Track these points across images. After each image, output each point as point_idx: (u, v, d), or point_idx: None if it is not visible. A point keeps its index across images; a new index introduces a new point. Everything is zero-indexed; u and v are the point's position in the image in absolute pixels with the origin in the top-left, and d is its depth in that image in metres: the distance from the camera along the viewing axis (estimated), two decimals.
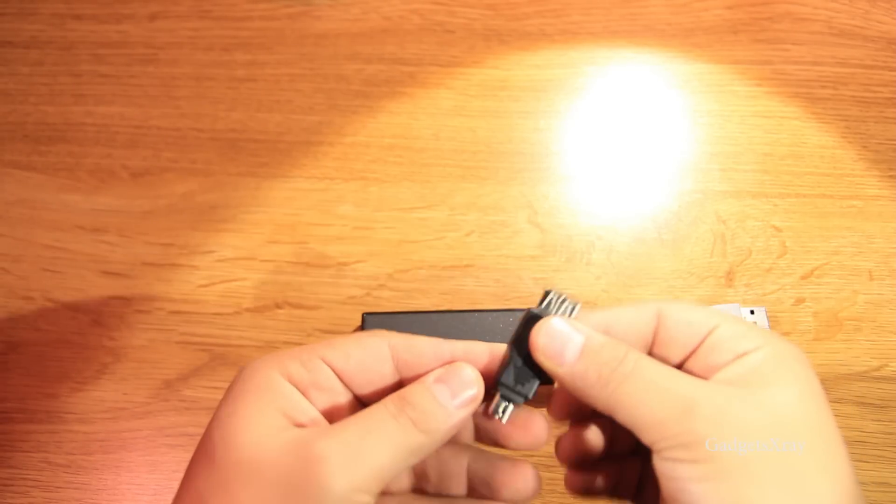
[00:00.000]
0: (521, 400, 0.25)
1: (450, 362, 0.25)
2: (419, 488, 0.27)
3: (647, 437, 0.22)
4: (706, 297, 0.43)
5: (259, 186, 0.46)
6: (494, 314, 0.38)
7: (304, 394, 0.23)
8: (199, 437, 0.23)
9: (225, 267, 0.43)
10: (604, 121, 0.48)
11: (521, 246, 0.43)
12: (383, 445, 0.22)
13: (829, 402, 0.23)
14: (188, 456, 0.23)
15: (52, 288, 0.43)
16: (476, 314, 0.38)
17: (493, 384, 0.25)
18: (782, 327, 0.42)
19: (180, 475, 0.23)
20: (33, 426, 0.39)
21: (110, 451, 0.38)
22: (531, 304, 0.42)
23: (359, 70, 0.50)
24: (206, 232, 0.45)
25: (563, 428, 0.28)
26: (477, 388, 0.24)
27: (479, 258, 0.43)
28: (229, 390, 0.23)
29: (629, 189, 0.45)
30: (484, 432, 0.27)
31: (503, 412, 0.25)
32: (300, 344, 0.35)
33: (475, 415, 0.25)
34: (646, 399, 0.22)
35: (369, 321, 0.39)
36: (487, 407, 0.25)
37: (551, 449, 0.37)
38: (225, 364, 0.41)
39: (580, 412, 0.28)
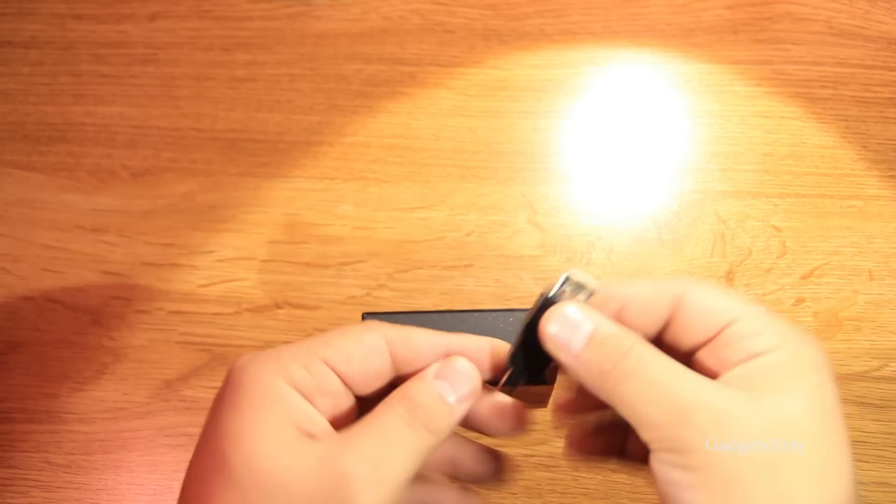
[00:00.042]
0: (530, 381, 0.25)
1: (445, 355, 0.25)
2: None
3: (643, 436, 0.22)
4: None
5: (259, 186, 0.46)
6: (494, 314, 0.38)
7: (310, 401, 0.23)
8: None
9: (225, 267, 0.43)
10: (604, 121, 0.48)
11: (521, 246, 0.43)
12: (403, 454, 0.22)
13: None
14: (188, 456, 0.23)
15: (52, 288, 0.43)
16: (476, 314, 0.38)
17: (503, 368, 0.25)
18: None
19: (180, 475, 0.22)
20: (33, 426, 0.39)
21: (110, 451, 0.38)
22: (531, 304, 0.42)
23: (359, 70, 0.50)
24: (206, 232, 0.45)
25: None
26: (475, 382, 0.24)
27: (479, 258, 0.43)
28: (229, 398, 0.22)
29: (629, 189, 0.45)
30: (465, 419, 0.26)
31: (509, 391, 0.25)
32: None
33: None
34: (644, 399, 0.22)
35: (369, 321, 0.39)
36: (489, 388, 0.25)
37: (551, 449, 0.37)
38: (225, 364, 0.41)
39: (581, 412, 0.28)
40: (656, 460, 0.22)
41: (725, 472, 0.21)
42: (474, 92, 0.49)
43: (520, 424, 0.26)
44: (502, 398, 0.26)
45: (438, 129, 0.48)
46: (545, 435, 0.38)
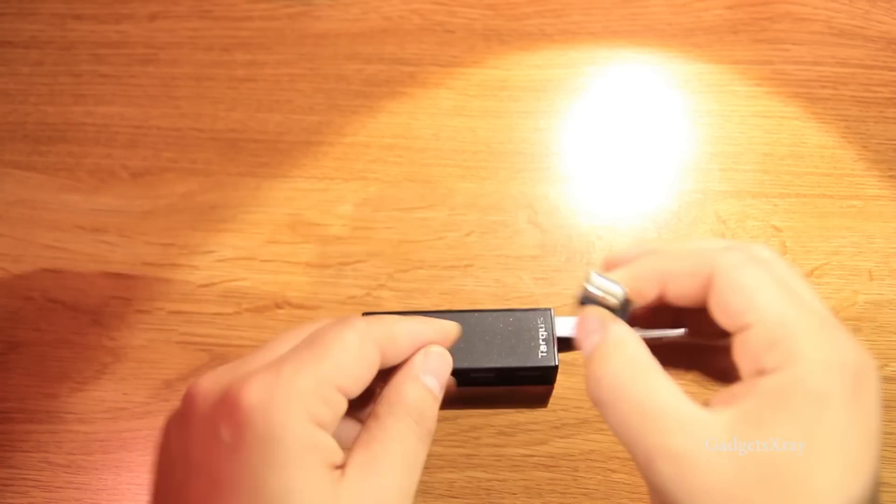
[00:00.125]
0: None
1: (423, 345, 0.25)
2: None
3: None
4: None
5: (259, 186, 0.46)
6: (494, 314, 0.38)
7: (331, 433, 0.22)
8: None
9: (225, 267, 0.43)
10: (604, 121, 0.48)
11: (521, 246, 0.43)
12: (419, 466, 0.23)
13: None
14: None
15: (52, 288, 0.43)
16: (476, 314, 0.38)
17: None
18: None
19: None
20: (33, 426, 0.39)
21: (110, 451, 0.38)
22: (531, 304, 0.42)
23: (359, 70, 0.50)
24: (206, 232, 0.45)
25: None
26: (450, 366, 0.26)
27: (479, 258, 0.43)
28: (263, 452, 0.20)
29: (629, 189, 0.45)
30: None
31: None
32: None
33: None
34: (617, 426, 0.22)
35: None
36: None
37: (551, 449, 0.37)
38: (225, 364, 0.41)
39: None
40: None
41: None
42: (474, 92, 0.49)
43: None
44: None
45: (438, 129, 0.48)
46: (545, 435, 0.38)
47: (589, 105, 0.48)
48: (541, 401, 0.39)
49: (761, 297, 0.21)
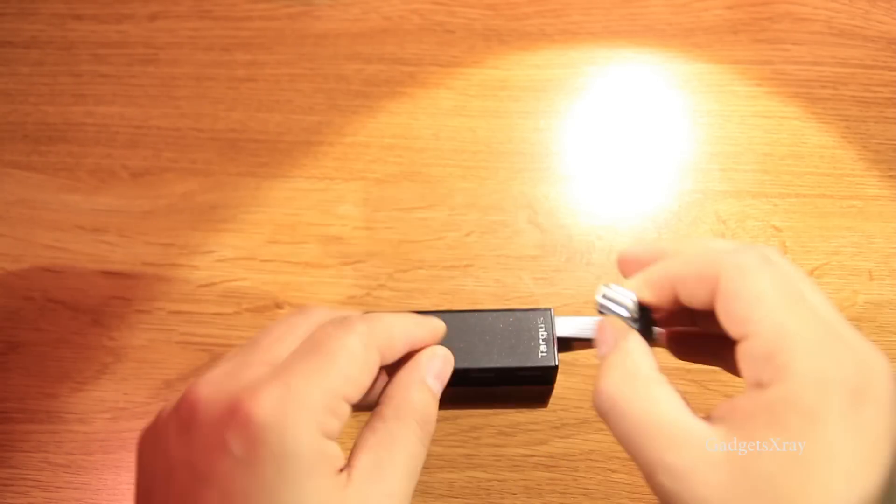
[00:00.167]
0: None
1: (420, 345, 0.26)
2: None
3: None
4: None
5: (259, 186, 0.46)
6: (494, 314, 0.38)
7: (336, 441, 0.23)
8: None
9: (225, 267, 0.43)
10: (604, 121, 0.48)
11: (521, 246, 0.43)
12: (419, 471, 0.23)
13: None
14: None
15: (52, 288, 0.43)
16: (476, 314, 0.38)
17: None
18: None
19: None
20: (33, 426, 0.39)
21: (110, 451, 0.38)
22: (531, 304, 0.42)
23: (359, 70, 0.50)
24: (206, 232, 0.45)
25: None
26: (451, 368, 0.26)
27: (479, 258, 0.43)
28: (279, 469, 0.20)
29: (629, 189, 0.45)
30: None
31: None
32: None
33: None
34: (620, 438, 0.23)
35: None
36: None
37: (551, 449, 0.37)
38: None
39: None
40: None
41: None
42: (474, 92, 0.49)
43: None
44: None
45: (438, 129, 0.48)
46: (545, 435, 0.38)
47: (589, 105, 0.48)
48: (541, 401, 0.39)
49: (762, 307, 0.21)
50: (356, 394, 0.23)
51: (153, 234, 0.45)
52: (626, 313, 0.26)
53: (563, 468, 0.37)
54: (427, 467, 0.24)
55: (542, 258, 0.43)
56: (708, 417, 0.22)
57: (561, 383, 0.39)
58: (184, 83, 0.50)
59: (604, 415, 0.23)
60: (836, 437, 0.19)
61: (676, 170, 0.46)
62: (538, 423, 0.38)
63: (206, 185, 0.46)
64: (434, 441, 0.26)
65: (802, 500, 0.19)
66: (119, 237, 0.44)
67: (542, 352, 0.36)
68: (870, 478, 0.19)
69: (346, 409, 0.22)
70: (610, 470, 0.37)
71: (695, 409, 0.22)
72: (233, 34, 0.51)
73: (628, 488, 0.36)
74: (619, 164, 0.46)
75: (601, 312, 0.27)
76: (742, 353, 0.21)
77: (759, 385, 0.21)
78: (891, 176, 0.45)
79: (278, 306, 0.43)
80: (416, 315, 0.26)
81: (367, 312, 0.27)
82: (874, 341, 0.22)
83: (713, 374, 0.37)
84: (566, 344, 0.39)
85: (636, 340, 0.25)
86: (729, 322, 0.22)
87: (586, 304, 0.41)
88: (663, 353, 0.28)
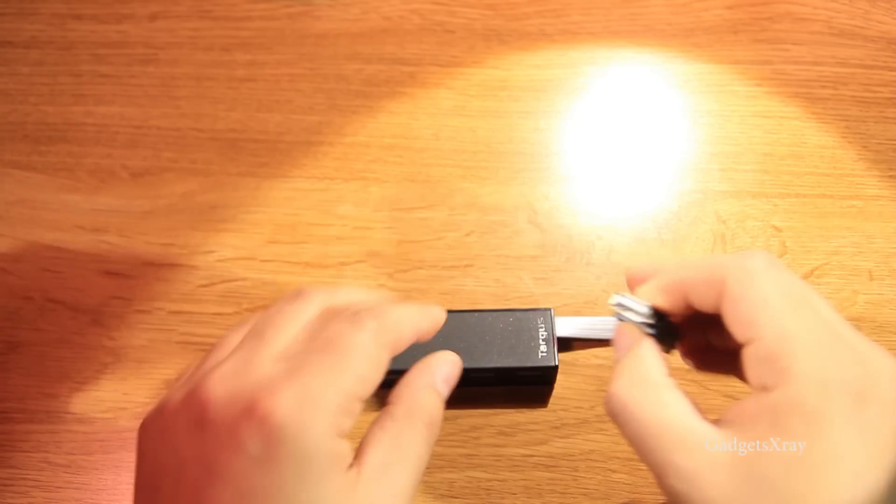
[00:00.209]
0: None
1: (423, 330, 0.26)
2: None
3: None
4: None
5: (259, 186, 0.46)
6: (494, 314, 0.38)
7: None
8: None
9: (225, 267, 0.43)
10: (604, 121, 0.48)
11: (521, 246, 0.43)
12: (423, 471, 0.24)
13: None
14: None
15: (52, 288, 0.43)
16: (476, 314, 0.38)
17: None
18: None
19: None
20: (33, 426, 0.39)
21: (110, 451, 0.38)
22: (531, 304, 0.42)
23: (359, 70, 0.50)
24: (206, 232, 0.45)
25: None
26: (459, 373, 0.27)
27: (479, 258, 0.43)
28: (299, 472, 0.21)
29: (629, 189, 0.45)
30: None
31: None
32: None
33: None
34: (630, 441, 0.23)
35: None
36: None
37: (551, 449, 0.37)
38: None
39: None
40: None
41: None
42: (474, 92, 0.49)
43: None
44: None
45: (438, 129, 0.48)
46: (545, 435, 0.38)
47: (589, 105, 0.48)
48: (541, 401, 0.39)
49: (766, 310, 0.22)
50: (369, 392, 0.23)
51: (153, 234, 0.44)
52: (639, 319, 0.27)
53: (563, 468, 0.37)
54: (427, 467, 0.24)
55: (542, 258, 0.43)
56: (717, 421, 0.22)
57: (561, 383, 0.39)
58: (184, 83, 0.50)
59: (614, 418, 0.24)
60: (840, 438, 0.19)
61: (676, 170, 0.46)
62: (538, 423, 0.38)
63: (206, 185, 0.46)
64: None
65: (808, 502, 0.19)
66: (119, 237, 0.44)
67: (542, 352, 0.36)
68: (875, 478, 0.19)
69: (359, 408, 0.23)
70: (610, 470, 0.37)
71: (703, 413, 0.22)
72: (233, 34, 0.51)
73: (628, 488, 0.36)
74: (619, 164, 0.46)
75: (619, 318, 0.28)
76: (747, 357, 0.22)
77: (763, 388, 0.21)
78: (891, 176, 0.45)
79: None
80: (418, 306, 0.26)
81: (363, 290, 0.27)
82: (875, 341, 0.22)
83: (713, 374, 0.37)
84: (566, 344, 0.39)
85: (648, 346, 0.25)
86: (734, 325, 0.22)
87: (586, 304, 0.41)
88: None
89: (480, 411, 0.38)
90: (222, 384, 0.22)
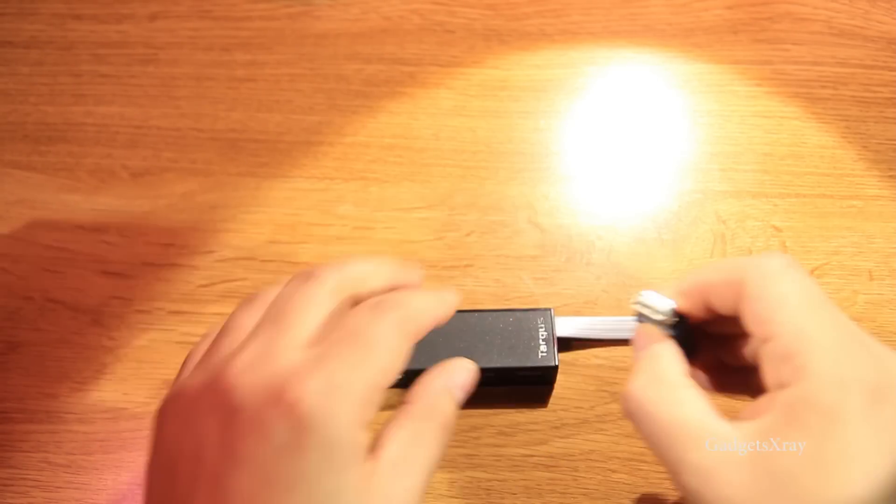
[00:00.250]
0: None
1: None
2: None
3: None
4: None
5: (259, 186, 0.46)
6: (494, 314, 0.38)
7: None
8: None
9: (225, 267, 0.43)
10: (604, 121, 0.48)
11: (521, 246, 0.43)
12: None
13: None
14: None
15: (52, 288, 0.43)
16: (476, 314, 0.38)
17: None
18: None
19: None
20: (33, 426, 0.39)
21: (110, 451, 0.38)
22: (531, 304, 0.42)
23: (359, 70, 0.50)
24: (206, 232, 0.45)
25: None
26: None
27: (479, 258, 0.43)
28: (320, 454, 0.21)
29: (629, 189, 0.45)
30: None
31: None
32: None
33: None
34: (646, 439, 0.24)
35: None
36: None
37: (551, 449, 0.37)
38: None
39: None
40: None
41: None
42: (474, 92, 0.49)
43: None
44: None
45: (438, 129, 0.48)
46: (545, 435, 0.38)
47: (589, 105, 0.48)
48: (541, 401, 0.39)
49: (784, 309, 0.22)
50: (390, 382, 0.23)
51: (153, 234, 0.44)
52: (660, 317, 0.27)
53: (563, 468, 0.37)
54: None
55: (542, 258, 0.43)
56: (733, 419, 0.22)
57: (561, 383, 0.39)
58: (184, 83, 0.50)
59: (631, 416, 0.24)
60: (855, 435, 0.20)
61: (676, 170, 0.46)
62: (538, 423, 0.38)
63: (206, 185, 0.46)
64: None
65: (823, 498, 0.19)
66: (119, 237, 0.44)
67: (542, 352, 0.36)
68: (890, 475, 0.19)
69: (380, 398, 0.23)
70: (610, 470, 0.37)
71: (720, 412, 0.23)
72: (233, 34, 0.51)
73: (628, 488, 0.36)
74: (619, 164, 0.46)
75: (640, 321, 0.28)
76: (764, 355, 0.22)
77: (780, 385, 0.21)
78: (891, 176, 0.45)
79: None
80: (435, 293, 0.26)
81: (371, 261, 0.27)
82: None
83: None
84: (566, 344, 0.39)
85: (666, 346, 0.26)
86: (753, 323, 0.23)
87: (586, 304, 0.41)
88: None
89: (480, 411, 0.38)
90: (247, 370, 0.22)
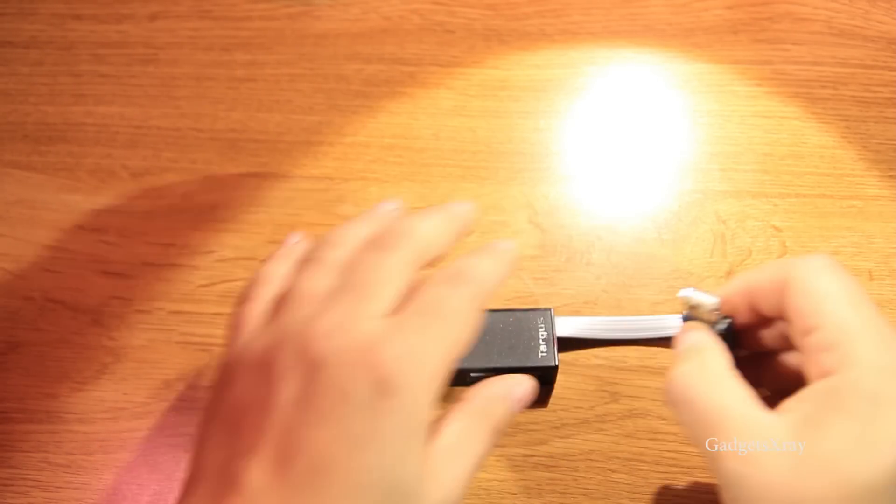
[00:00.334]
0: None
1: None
2: None
3: None
4: None
5: (259, 186, 0.46)
6: (494, 314, 0.38)
7: None
8: None
9: (225, 267, 0.43)
10: (604, 121, 0.48)
11: (521, 246, 0.43)
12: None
13: None
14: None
15: (52, 288, 0.43)
16: None
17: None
18: None
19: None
20: (33, 426, 0.39)
21: (110, 451, 0.38)
22: (531, 304, 0.42)
23: (359, 70, 0.50)
24: (206, 232, 0.45)
25: None
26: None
27: None
28: (400, 419, 0.21)
29: (629, 189, 0.45)
30: None
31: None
32: None
33: None
34: (686, 426, 0.25)
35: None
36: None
37: (551, 449, 0.37)
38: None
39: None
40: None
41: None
42: (474, 92, 0.49)
43: None
44: None
45: (438, 129, 0.48)
46: (545, 435, 0.38)
47: (589, 105, 0.48)
48: (541, 401, 0.39)
49: (829, 302, 0.24)
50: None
51: (153, 234, 0.44)
52: (709, 314, 0.29)
53: (563, 468, 0.37)
54: None
55: (542, 258, 0.43)
56: (776, 410, 0.23)
57: (561, 383, 0.39)
58: (184, 83, 0.50)
59: (673, 402, 0.25)
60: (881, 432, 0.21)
61: (676, 170, 0.46)
62: (538, 423, 0.38)
63: (206, 185, 0.46)
64: None
65: (866, 478, 0.20)
66: (119, 237, 0.44)
67: (542, 352, 0.36)
68: None
69: (450, 373, 0.24)
70: (610, 470, 0.37)
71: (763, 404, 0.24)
72: (233, 34, 0.51)
73: (628, 488, 0.36)
74: (619, 164, 0.46)
75: (685, 319, 0.29)
76: (809, 345, 0.24)
77: (823, 374, 0.22)
78: (891, 176, 0.45)
79: None
80: (494, 256, 0.26)
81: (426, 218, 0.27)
82: None
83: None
84: (566, 344, 0.39)
85: (713, 340, 0.27)
86: (798, 317, 0.24)
87: (586, 304, 0.41)
88: None
89: None
90: (330, 335, 0.22)
